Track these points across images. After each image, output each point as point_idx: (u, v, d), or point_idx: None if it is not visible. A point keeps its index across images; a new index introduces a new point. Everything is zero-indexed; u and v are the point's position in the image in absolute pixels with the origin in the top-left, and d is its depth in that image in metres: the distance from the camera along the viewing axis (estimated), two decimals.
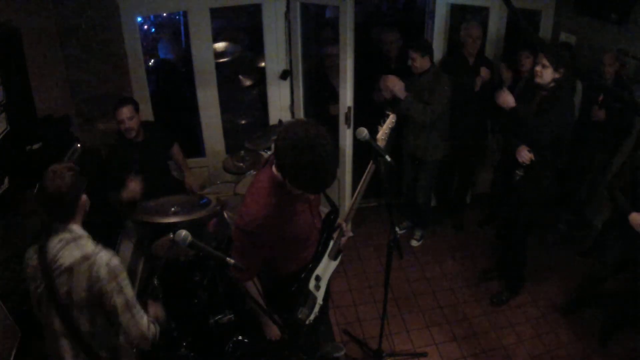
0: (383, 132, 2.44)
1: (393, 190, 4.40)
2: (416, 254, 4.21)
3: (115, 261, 1.89)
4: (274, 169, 2.00)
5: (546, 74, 2.95)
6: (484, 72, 3.88)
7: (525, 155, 3.12)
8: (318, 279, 2.28)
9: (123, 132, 3.37)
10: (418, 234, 4.37)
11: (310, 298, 2.24)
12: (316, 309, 2.28)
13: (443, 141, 3.89)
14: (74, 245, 1.87)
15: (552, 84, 2.98)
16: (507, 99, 3.09)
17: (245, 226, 1.98)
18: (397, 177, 4.28)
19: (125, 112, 3.32)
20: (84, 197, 1.96)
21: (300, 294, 2.22)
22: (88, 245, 1.89)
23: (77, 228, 1.92)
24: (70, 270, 1.83)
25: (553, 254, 4.14)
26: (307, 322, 2.23)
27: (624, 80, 3.55)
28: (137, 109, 3.42)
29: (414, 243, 4.34)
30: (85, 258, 1.85)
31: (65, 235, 1.88)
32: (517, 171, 3.23)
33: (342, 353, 3.03)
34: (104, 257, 1.86)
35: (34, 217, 2.61)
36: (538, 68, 2.97)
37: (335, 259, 2.35)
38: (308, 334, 2.30)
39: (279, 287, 2.23)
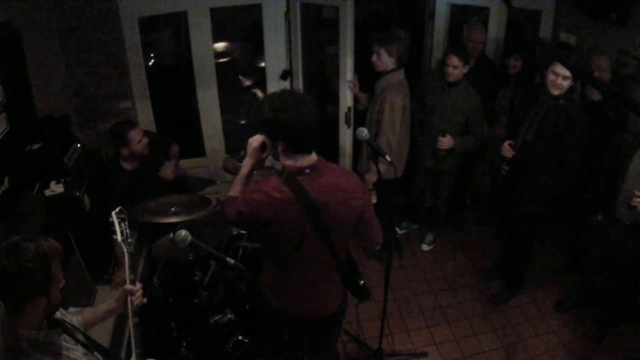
0: None
1: (392, 190, 4.38)
2: (416, 253, 4.20)
3: None
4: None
5: (567, 84, 2.84)
6: None
7: (506, 149, 3.11)
8: None
9: (123, 157, 3.23)
10: (430, 237, 4.23)
11: None
12: None
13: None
14: None
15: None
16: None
17: None
18: (405, 181, 4.10)
19: (139, 132, 3.23)
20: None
21: None
22: None
23: None
24: None
25: (553, 254, 4.14)
26: None
27: (622, 80, 3.55)
28: (145, 134, 3.30)
29: (425, 247, 4.19)
30: None
31: None
32: (502, 166, 3.20)
33: None
34: None
35: (33, 217, 2.62)
36: (558, 80, 2.80)
37: None
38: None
39: None
